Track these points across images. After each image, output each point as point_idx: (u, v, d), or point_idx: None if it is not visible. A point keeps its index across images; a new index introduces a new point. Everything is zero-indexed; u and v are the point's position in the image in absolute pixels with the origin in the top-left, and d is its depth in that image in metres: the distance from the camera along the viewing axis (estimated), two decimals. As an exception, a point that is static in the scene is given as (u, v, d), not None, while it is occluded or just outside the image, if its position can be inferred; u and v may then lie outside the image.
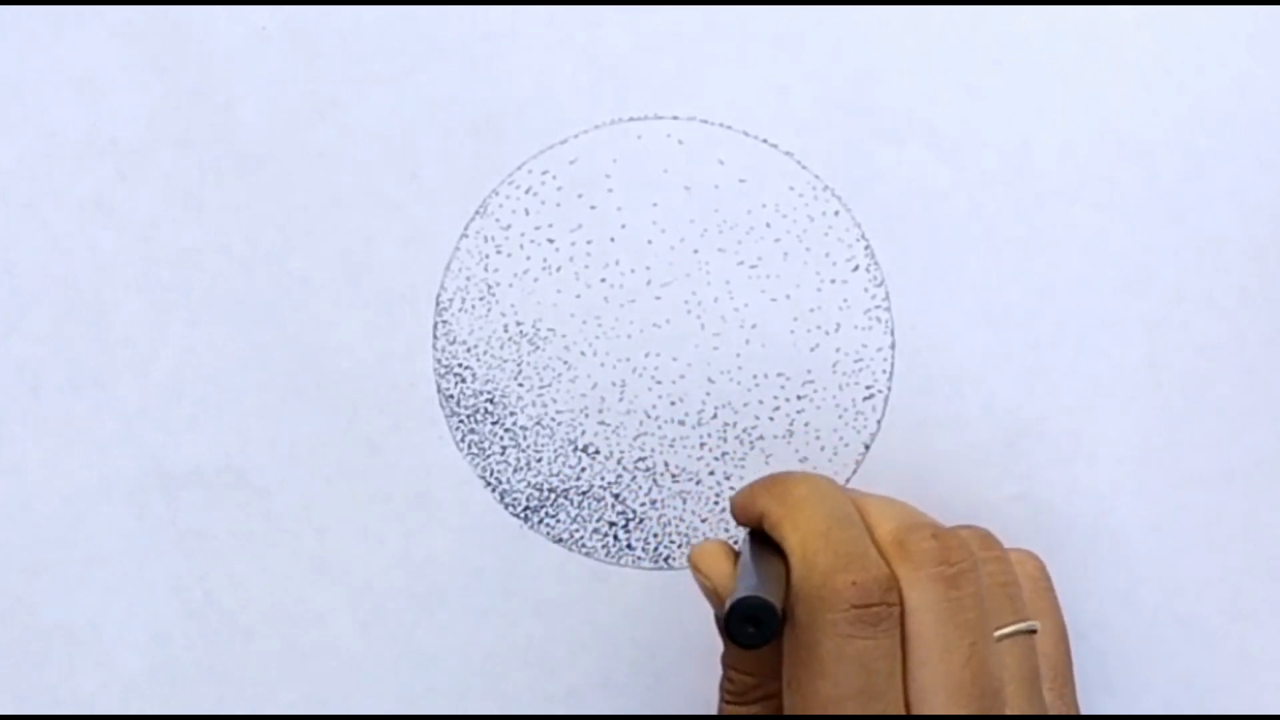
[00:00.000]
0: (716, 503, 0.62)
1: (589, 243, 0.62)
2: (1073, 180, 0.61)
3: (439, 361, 0.63)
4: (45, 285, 0.63)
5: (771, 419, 0.62)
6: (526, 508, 0.63)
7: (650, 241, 0.62)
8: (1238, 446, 0.61)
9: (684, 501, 0.62)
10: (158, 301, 0.63)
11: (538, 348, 0.62)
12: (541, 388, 0.63)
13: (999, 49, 0.61)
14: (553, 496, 0.63)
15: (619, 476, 0.62)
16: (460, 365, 0.63)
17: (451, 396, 0.63)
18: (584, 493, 0.63)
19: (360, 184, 0.63)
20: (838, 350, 0.62)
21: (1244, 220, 0.61)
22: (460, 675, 0.63)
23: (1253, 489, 0.61)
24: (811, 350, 0.62)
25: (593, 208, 0.62)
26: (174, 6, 0.63)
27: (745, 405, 0.62)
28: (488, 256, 0.63)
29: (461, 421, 0.63)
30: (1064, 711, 0.56)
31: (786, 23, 0.62)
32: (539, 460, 0.63)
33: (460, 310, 0.63)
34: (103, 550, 0.63)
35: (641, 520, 0.62)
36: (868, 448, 0.62)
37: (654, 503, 0.62)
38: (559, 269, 0.62)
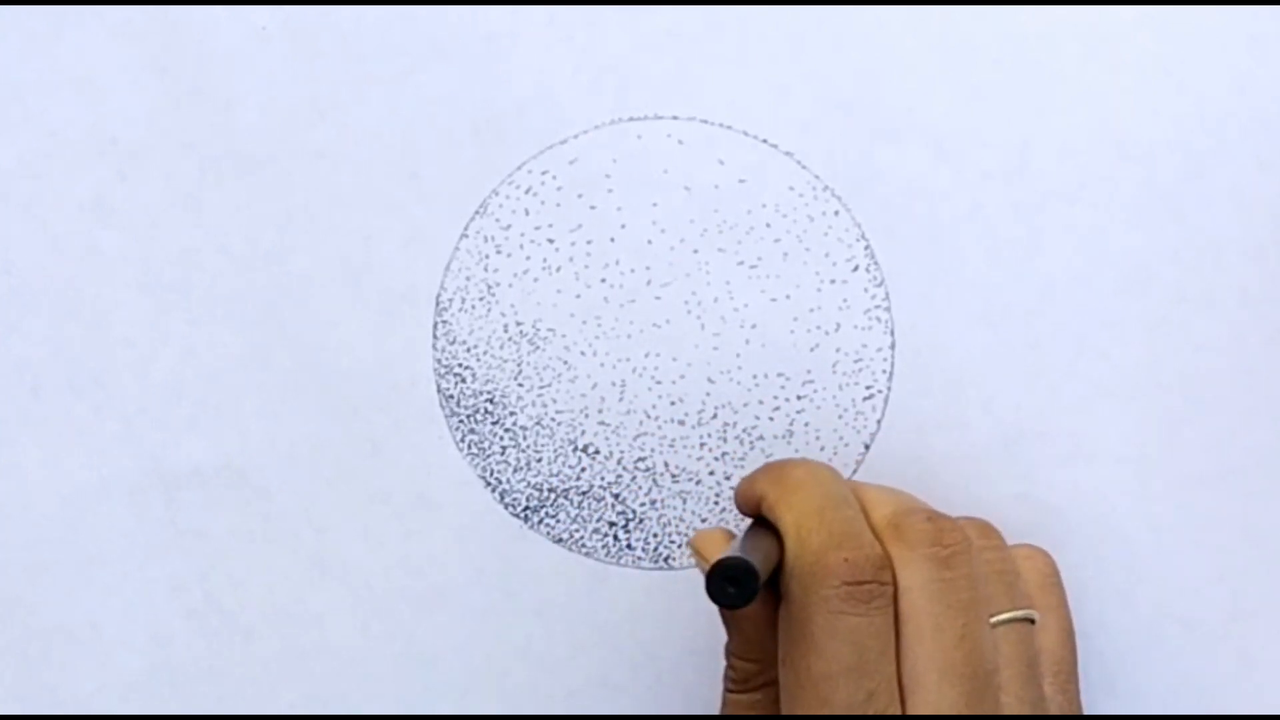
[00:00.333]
0: (716, 503, 0.62)
1: (589, 243, 0.62)
2: (1073, 180, 0.61)
3: (439, 361, 0.63)
4: (45, 285, 0.63)
5: (771, 419, 0.62)
6: (526, 508, 0.63)
7: (650, 241, 0.62)
8: (1238, 446, 0.61)
9: (684, 501, 0.62)
10: (158, 301, 0.63)
11: (538, 348, 0.63)
12: (541, 388, 0.63)
13: (999, 49, 0.61)
14: (553, 496, 0.63)
15: (619, 476, 0.62)
16: (460, 365, 0.63)
17: (451, 396, 0.63)
18: (584, 493, 0.63)
19: (360, 184, 0.63)
20: (838, 350, 0.62)
21: (1244, 220, 0.61)
22: (460, 675, 0.63)
23: (1253, 489, 0.61)
24: (811, 350, 0.62)
25: (593, 208, 0.62)
26: (174, 6, 0.63)
27: (745, 405, 0.62)
28: (488, 256, 0.63)
29: (461, 421, 0.63)
30: (1066, 707, 0.56)
31: (786, 23, 0.62)
32: (539, 460, 0.63)
33: (460, 310, 0.63)
34: (103, 550, 0.63)
35: (641, 520, 0.63)
36: (868, 448, 0.62)
37: (654, 503, 0.62)
38: (559, 269, 0.62)
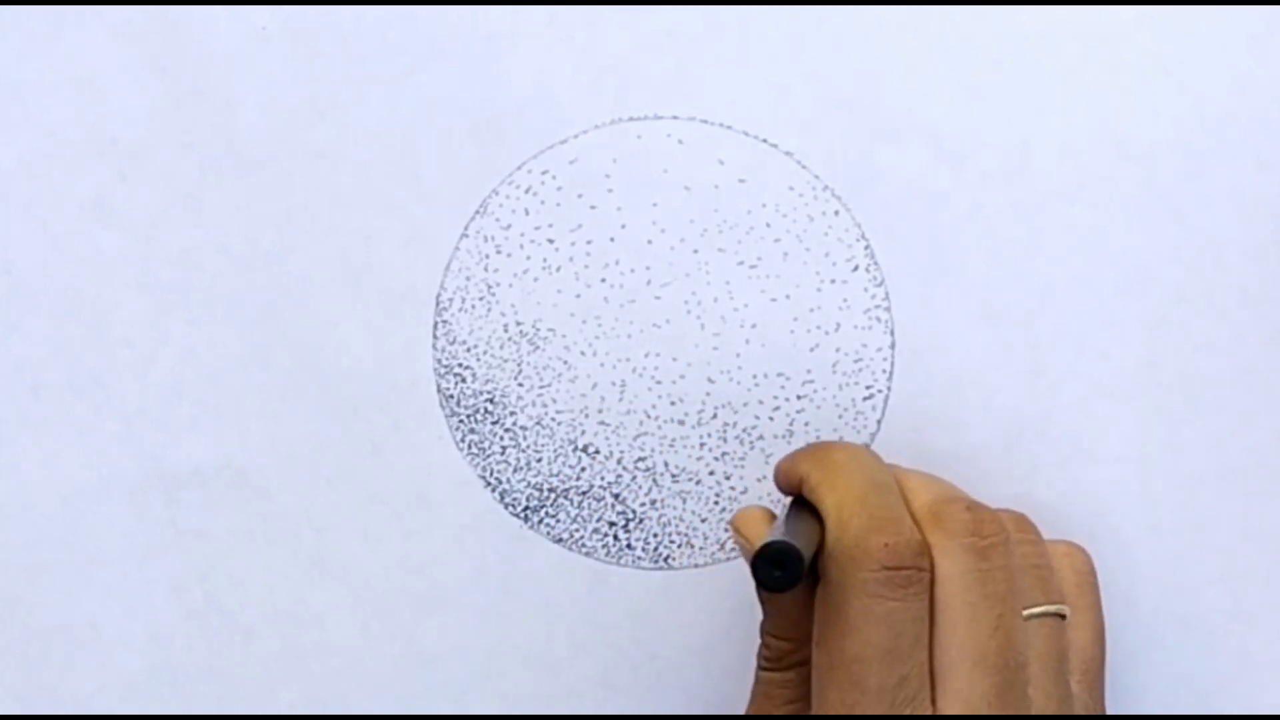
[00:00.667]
0: (716, 503, 0.62)
1: (589, 242, 0.62)
2: (1073, 180, 0.61)
3: (439, 361, 0.63)
4: (45, 285, 0.63)
5: (771, 419, 0.62)
6: (526, 508, 0.63)
7: (650, 241, 0.62)
8: (1238, 446, 0.61)
9: (684, 501, 0.62)
10: (158, 301, 0.63)
11: (538, 347, 0.62)
12: (541, 388, 0.63)
13: (999, 49, 0.61)
14: (553, 496, 0.63)
15: (619, 476, 0.62)
16: (460, 365, 0.63)
17: (451, 396, 0.63)
18: (584, 493, 0.63)
19: (360, 184, 0.63)
20: (838, 350, 0.62)
21: (1244, 220, 0.61)
22: (460, 675, 0.63)
23: (1253, 489, 0.61)
24: (811, 350, 0.62)
25: (593, 208, 0.62)
26: (174, 6, 0.63)
27: (745, 405, 0.62)
28: (488, 256, 0.63)
29: (461, 421, 0.63)
30: (1091, 706, 0.57)
31: (786, 23, 0.62)
32: (539, 460, 0.63)
33: (460, 310, 0.63)
34: (103, 550, 0.63)
35: (641, 520, 0.63)
36: (868, 447, 0.62)
37: (654, 503, 0.62)
38: (559, 269, 0.62)
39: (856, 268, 0.62)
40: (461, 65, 0.62)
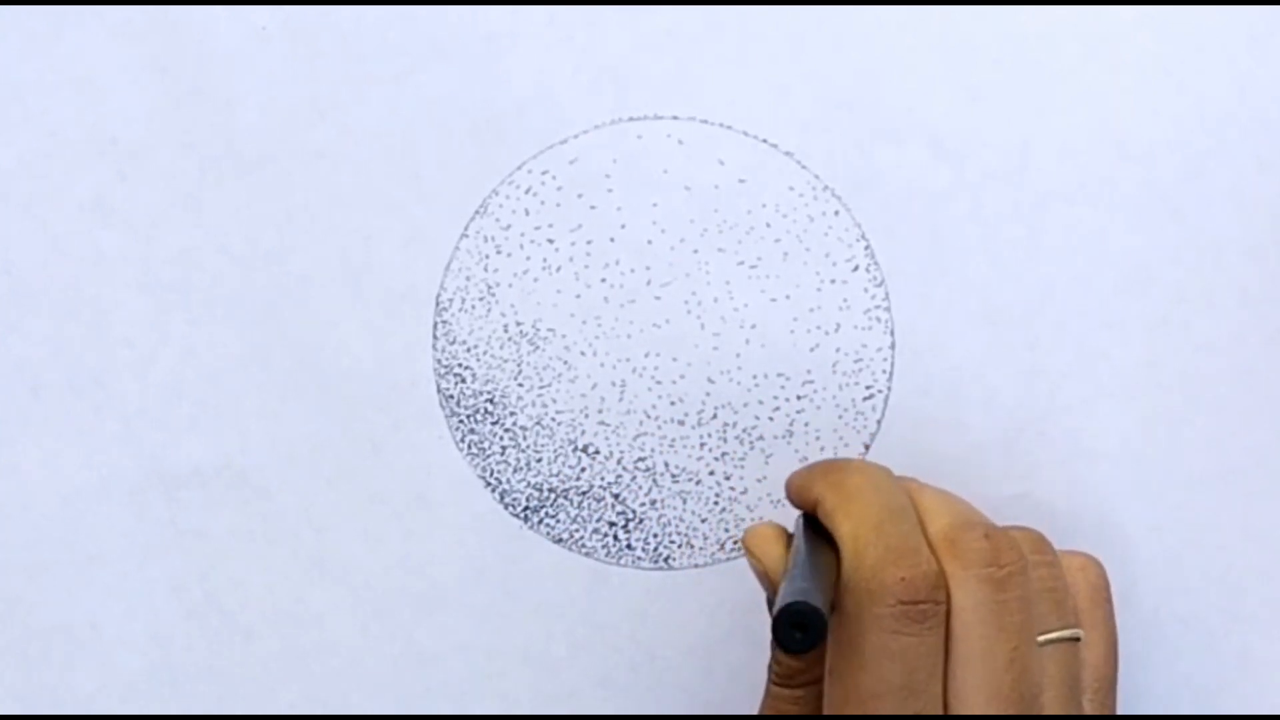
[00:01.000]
0: (716, 503, 0.62)
1: (589, 243, 0.62)
2: (1073, 180, 0.61)
3: (439, 361, 0.63)
4: (45, 285, 0.63)
5: (771, 419, 0.62)
6: (526, 508, 0.63)
7: (650, 241, 0.62)
8: (1238, 446, 0.61)
9: (684, 501, 0.62)
10: (158, 301, 0.63)
11: (538, 348, 0.62)
12: (541, 388, 0.63)
13: (999, 49, 0.61)
14: (553, 496, 0.63)
15: (619, 476, 0.62)
16: (460, 365, 0.63)
17: (451, 396, 0.63)
18: (584, 493, 0.63)
19: (360, 184, 0.63)
20: (838, 350, 0.62)
21: (1244, 220, 0.61)
22: (460, 675, 0.63)
23: (1253, 489, 0.61)
24: (811, 350, 0.62)
25: (593, 208, 0.62)
26: (174, 6, 0.63)
27: (745, 405, 0.62)
28: (488, 256, 0.63)
29: (461, 421, 0.63)
30: None
31: (786, 23, 0.62)
32: (539, 460, 0.63)
33: (460, 310, 0.63)
34: (103, 550, 0.63)
35: (641, 520, 0.63)
36: (868, 448, 0.62)
37: (654, 503, 0.62)
38: (559, 269, 0.62)
39: (856, 268, 0.62)
40: (461, 65, 0.62)
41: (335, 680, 0.63)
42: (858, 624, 0.53)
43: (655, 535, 0.62)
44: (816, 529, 0.55)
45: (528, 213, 0.62)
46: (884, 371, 0.62)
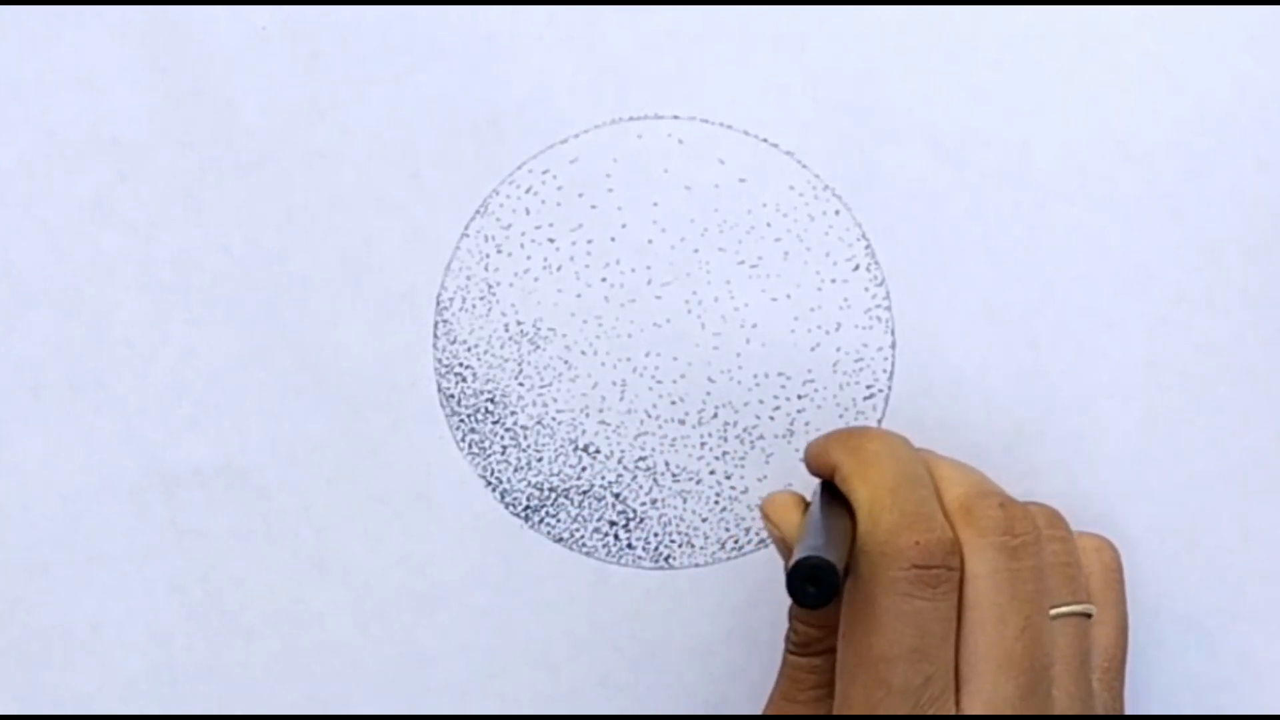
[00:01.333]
0: (716, 502, 0.62)
1: (589, 242, 0.62)
2: (1073, 180, 0.61)
3: (439, 361, 0.63)
4: (45, 285, 0.63)
5: (771, 419, 0.62)
6: (527, 507, 0.63)
7: (650, 241, 0.62)
8: (1238, 446, 0.61)
9: (684, 501, 0.62)
10: (158, 301, 0.63)
11: (538, 347, 0.62)
12: (542, 387, 0.63)
13: (999, 49, 0.61)
14: (553, 496, 0.63)
15: (619, 476, 0.62)
16: (461, 365, 0.63)
17: (452, 396, 0.63)
18: (584, 492, 0.63)
19: (360, 184, 0.63)
20: (838, 350, 0.62)
21: (1244, 220, 0.61)
22: (460, 675, 0.63)
23: (1253, 489, 0.61)
24: (811, 350, 0.62)
25: (593, 207, 0.62)
26: (174, 6, 0.63)
27: (745, 405, 0.62)
28: (488, 256, 0.63)
29: (462, 421, 0.63)
30: (1111, 705, 0.56)
31: (786, 23, 0.62)
32: (539, 460, 0.63)
33: (461, 310, 0.63)
34: (103, 550, 0.63)
35: (642, 520, 0.63)
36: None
37: (654, 502, 0.62)
38: (559, 268, 0.62)
39: (857, 267, 0.62)
40: (461, 65, 0.62)
41: (335, 680, 0.63)
42: (871, 587, 0.53)
43: (656, 535, 0.62)
44: (834, 497, 0.56)
45: (528, 212, 0.62)
46: (884, 371, 0.62)
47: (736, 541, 0.62)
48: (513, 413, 0.63)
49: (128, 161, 0.63)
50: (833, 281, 0.62)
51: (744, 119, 0.62)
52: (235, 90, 0.63)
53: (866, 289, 0.62)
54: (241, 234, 0.63)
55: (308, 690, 0.63)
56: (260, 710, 0.63)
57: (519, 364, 0.63)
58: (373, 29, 0.62)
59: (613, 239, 0.62)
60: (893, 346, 0.62)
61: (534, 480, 0.63)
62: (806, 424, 0.62)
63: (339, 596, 0.63)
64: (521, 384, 0.63)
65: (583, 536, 0.63)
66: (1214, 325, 0.61)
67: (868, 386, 0.62)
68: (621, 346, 0.62)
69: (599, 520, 0.62)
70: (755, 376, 0.62)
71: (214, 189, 0.63)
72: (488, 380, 0.63)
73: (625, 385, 0.62)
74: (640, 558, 0.63)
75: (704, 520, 0.62)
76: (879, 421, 0.62)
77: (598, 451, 0.62)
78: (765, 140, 0.62)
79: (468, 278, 0.63)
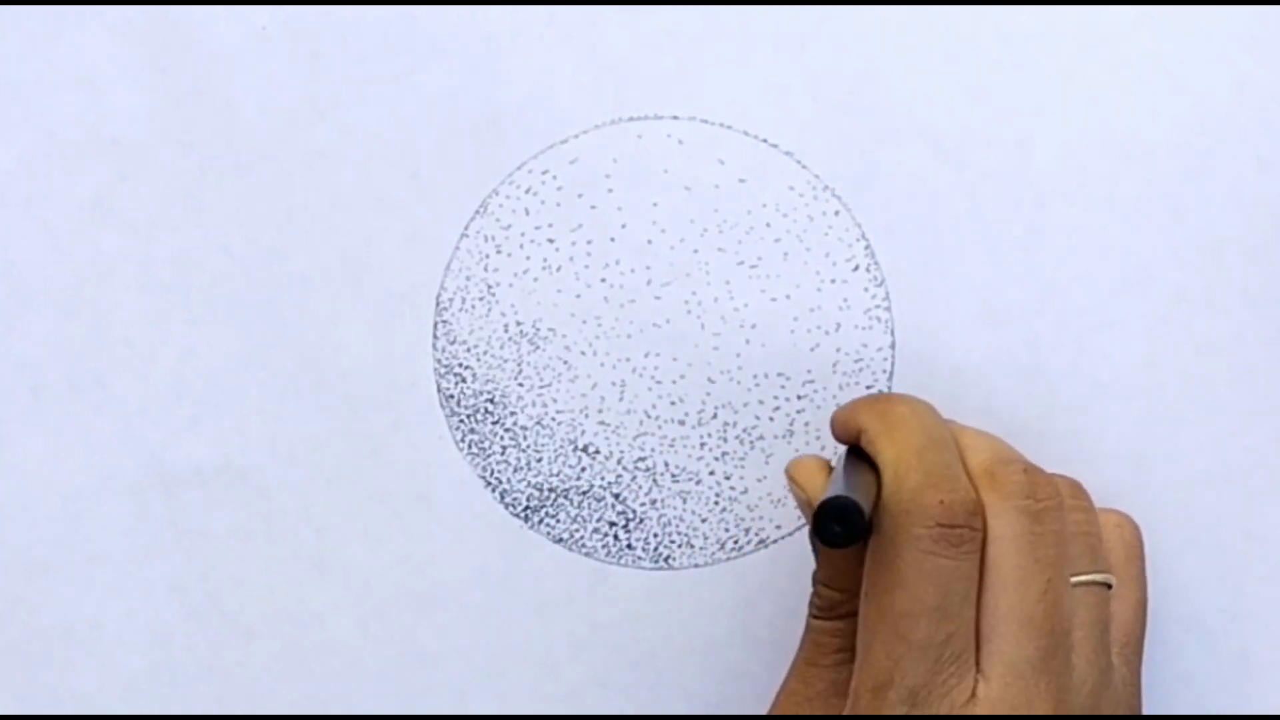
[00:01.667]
0: (716, 502, 0.62)
1: (589, 242, 0.62)
2: (1073, 180, 0.61)
3: (439, 361, 0.63)
4: (45, 285, 0.63)
5: (771, 419, 0.62)
6: (526, 508, 0.63)
7: (650, 241, 0.62)
8: (1238, 446, 0.61)
9: (684, 501, 0.62)
10: (158, 301, 0.63)
11: (538, 347, 0.62)
12: (541, 387, 0.63)
13: (999, 49, 0.61)
14: (553, 496, 0.63)
15: (619, 476, 0.62)
16: (460, 365, 0.63)
17: (452, 396, 0.63)
18: (584, 493, 0.63)
19: (360, 184, 0.63)
20: (838, 350, 0.62)
21: (1244, 220, 0.61)
22: (460, 675, 0.63)
23: (1253, 489, 0.61)
24: (811, 350, 0.62)
25: (593, 207, 0.62)
26: (174, 6, 0.63)
27: (745, 405, 0.62)
28: (488, 256, 0.63)
29: (462, 421, 0.63)
30: (1129, 679, 0.57)
31: (786, 23, 0.62)
32: (539, 460, 0.63)
33: (460, 310, 0.63)
34: (103, 550, 0.63)
35: (641, 520, 0.63)
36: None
37: (654, 502, 0.62)
38: (559, 269, 0.62)
39: (856, 268, 0.62)
40: (461, 65, 0.62)
41: (335, 680, 0.63)
42: (895, 544, 0.53)
43: (655, 535, 0.62)
44: (859, 460, 0.56)
45: (528, 212, 0.62)
46: (884, 371, 0.62)
47: (736, 542, 0.62)
48: (512, 413, 0.63)
49: (128, 161, 0.63)
50: (832, 282, 0.62)
51: (744, 119, 0.62)
52: (235, 90, 0.63)
53: (866, 289, 0.62)
54: (241, 234, 0.63)
55: (308, 690, 0.63)
56: (260, 710, 0.63)
57: (519, 364, 0.63)
58: (373, 29, 0.62)
59: (612, 239, 0.62)
60: (892, 347, 0.62)
61: (534, 481, 0.63)
62: (806, 424, 0.62)
63: (339, 596, 0.63)
64: (521, 384, 0.63)
65: (582, 537, 0.63)
66: (1214, 325, 0.61)
67: (867, 387, 0.62)
68: (621, 347, 0.62)
69: (599, 521, 0.62)
70: (755, 377, 0.62)
71: (214, 189, 0.63)
72: (487, 380, 0.63)
73: (625, 386, 0.62)
74: (640, 558, 0.63)
75: (704, 521, 0.62)
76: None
77: (597, 452, 0.62)
78: (765, 140, 0.62)
79: (467, 278, 0.63)
